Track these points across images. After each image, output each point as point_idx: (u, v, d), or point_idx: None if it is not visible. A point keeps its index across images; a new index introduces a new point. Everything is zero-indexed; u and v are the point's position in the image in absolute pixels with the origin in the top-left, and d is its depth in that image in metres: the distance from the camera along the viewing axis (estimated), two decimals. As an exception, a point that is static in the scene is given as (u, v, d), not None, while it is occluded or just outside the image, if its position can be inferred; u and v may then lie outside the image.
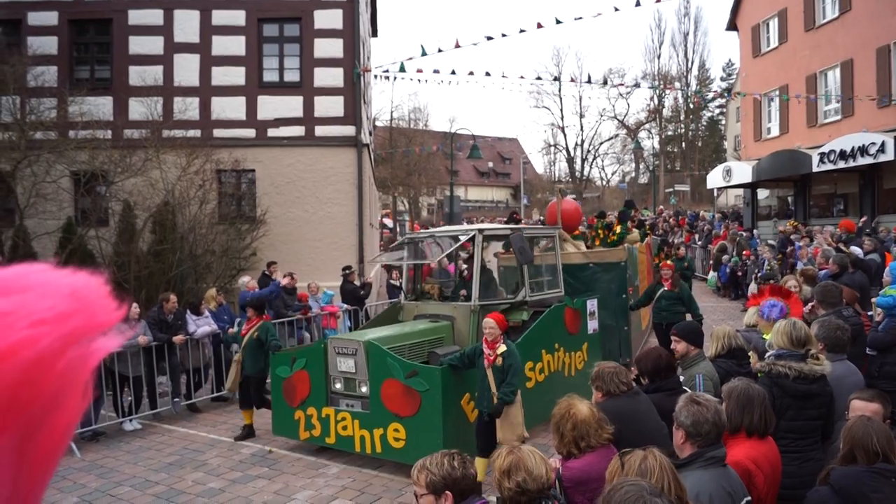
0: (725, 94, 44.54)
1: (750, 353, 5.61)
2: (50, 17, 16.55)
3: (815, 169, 21.85)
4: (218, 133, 16.71)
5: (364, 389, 7.71)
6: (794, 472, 4.14)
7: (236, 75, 16.92)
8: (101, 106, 16.09)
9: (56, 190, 14.31)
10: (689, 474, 3.08)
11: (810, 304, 7.01)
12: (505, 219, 40.08)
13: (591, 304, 10.44)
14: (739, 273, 20.25)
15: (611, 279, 11.88)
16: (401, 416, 7.32)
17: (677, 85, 59.20)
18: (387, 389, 7.41)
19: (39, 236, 14.08)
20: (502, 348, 6.89)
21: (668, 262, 11.98)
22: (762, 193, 29.11)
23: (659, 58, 63.09)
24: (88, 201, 15.08)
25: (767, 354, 4.90)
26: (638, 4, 16.15)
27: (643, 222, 16.95)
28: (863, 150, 19.74)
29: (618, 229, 13.91)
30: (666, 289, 10.91)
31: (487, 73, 26.59)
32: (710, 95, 54.25)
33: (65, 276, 0.72)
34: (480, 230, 9.18)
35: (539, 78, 48.36)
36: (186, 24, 16.87)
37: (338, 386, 8.04)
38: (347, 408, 7.89)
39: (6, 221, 14.44)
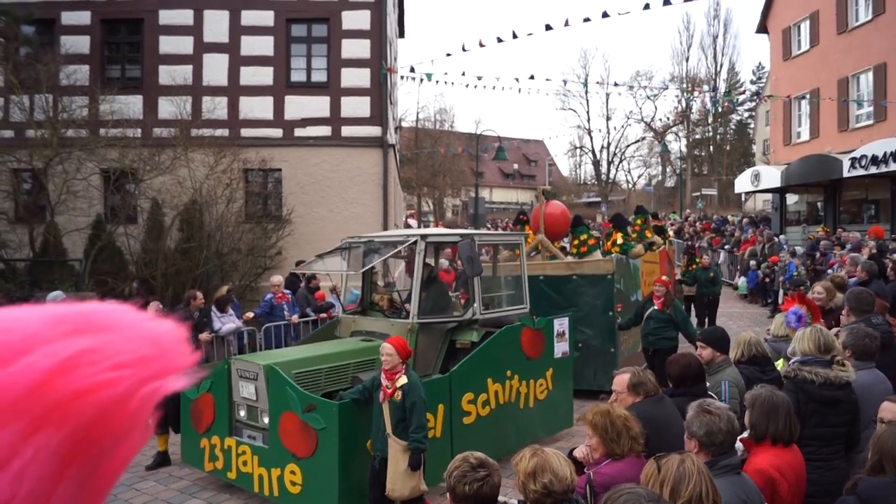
0: (755, 98, 44.06)
1: (779, 361, 5.54)
2: (83, 17, 16.80)
3: (845, 174, 21.53)
4: (245, 132, 16.86)
5: (266, 420, 6.69)
6: (817, 480, 4.08)
7: (264, 75, 17.06)
8: (132, 105, 16.30)
9: (86, 187, 14.54)
10: None
11: (845, 310, 6.86)
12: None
13: (560, 324, 8.79)
14: (767, 280, 20.00)
15: (596, 294, 10.66)
16: (298, 456, 6.24)
17: (705, 88, 58.67)
18: (285, 424, 6.35)
19: (70, 233, 14.32)
20: (402, 381, 5.76)
21: (664, 277, 10.44)
22: (791, 198, 28.76)
23: (687, 60, 62.28)
24: (118, 199, 15.31)
25: (791, 360, 4.84)
26: (667, 3, 15.98)
27: (662, 228, 15.79)
28: (895, 156, 19.41)
29: (618, 238, 12.39)
30: (656, 308, 9.58)
31: (516, 79, 26.57)
32: (739, 98, 53.65)
33: (147, 320, 0.76)
34: (423, 236, 7.86)
35: (565, 82, 48.22)
36: (216, 25, 17.04)
37: (241, 414, 7.02)
38: (249, 440, 6.91)
39: (38, 218, 14.70)
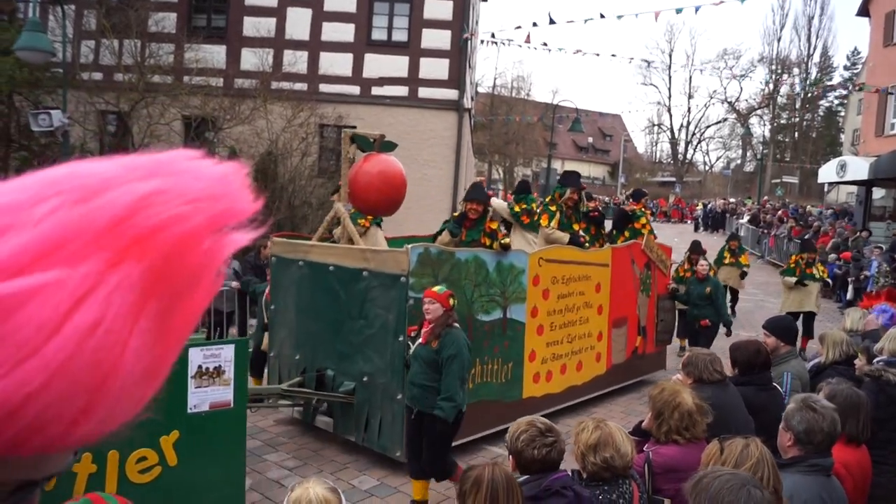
0: (848, 87, 42.06)
1: (858, 357, 5.32)
2: (174, -35, 17.13)
3: (940, 170, 20.48)
4: (324, 88, 17.01)
5: None
6: (885, 484, 3.95)
7: (346, 32, 17.12)
8: (215, 54, 16.60)
9: (168, 132, 14.97)
10: (786, 476, 2.90)
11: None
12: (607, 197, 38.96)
13: (210, 354, 4.99)
14: (845, 275, 19.23)
15: (388, 304, 6.54)
16: None
17: (796, 71, 56.28)
18: None
19: (150, 176, 14.80)
20: None
21: (435, 289, 5.63)
22: (877, 193, 27.51)
23: (779, 41, 59.93)
24: (197, 145, 15.70)
25: (876, 360, 4.64)
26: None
27: (632, 215, 10.31)
28: None
29: (497, 226, 7.98)
30: (421, 343, 5.59)
31: (597, 54, 26.01)
32: (830, 84, 51.28)
33: (214, 162, 0.79)
34: None
35: (648, 63, 47.00)
36: (302, -22, 17.15)
37: None
38: None
39: (121, 160, 15.24)
